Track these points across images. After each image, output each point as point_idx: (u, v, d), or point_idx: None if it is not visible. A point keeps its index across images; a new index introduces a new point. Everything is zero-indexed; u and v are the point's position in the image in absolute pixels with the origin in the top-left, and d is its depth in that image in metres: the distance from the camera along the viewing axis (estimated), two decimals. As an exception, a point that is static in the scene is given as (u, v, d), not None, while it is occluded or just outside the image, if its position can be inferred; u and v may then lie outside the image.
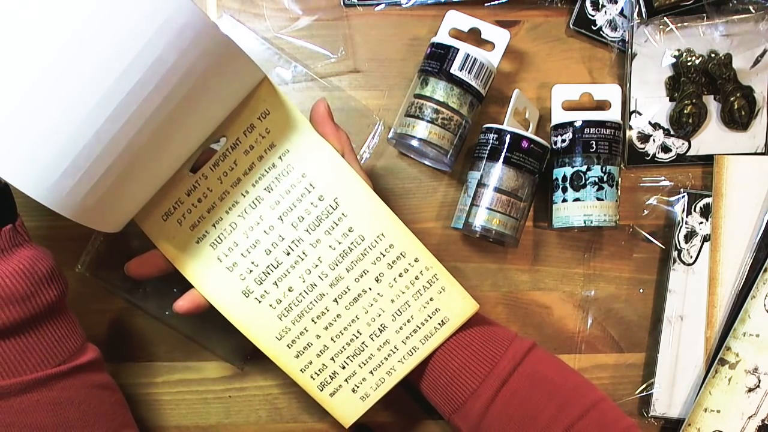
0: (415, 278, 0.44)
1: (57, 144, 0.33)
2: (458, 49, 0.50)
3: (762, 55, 0.55)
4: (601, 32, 0.56)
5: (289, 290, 0.43)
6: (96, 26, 0.32)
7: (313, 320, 0.44)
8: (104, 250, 0.52)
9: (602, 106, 0.55)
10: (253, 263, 0.43)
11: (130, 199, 0.39)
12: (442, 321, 0.44)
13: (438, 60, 0.51)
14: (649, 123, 0.56)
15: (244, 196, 0.43)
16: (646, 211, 0.56)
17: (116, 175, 0.36)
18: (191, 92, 0.35)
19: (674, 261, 0.54)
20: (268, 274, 0.43)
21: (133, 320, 0.53)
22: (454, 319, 0.44)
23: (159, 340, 0.53)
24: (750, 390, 0.52)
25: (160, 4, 0.32)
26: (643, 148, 0.56)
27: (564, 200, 0.52)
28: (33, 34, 0.32)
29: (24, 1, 0.31)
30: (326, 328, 0.44)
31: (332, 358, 0.44)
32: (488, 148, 0.51)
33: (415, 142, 0.51)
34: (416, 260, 0.44)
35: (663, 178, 0.56)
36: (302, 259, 0.43)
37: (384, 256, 0.44)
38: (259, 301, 0.43)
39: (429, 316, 0.44)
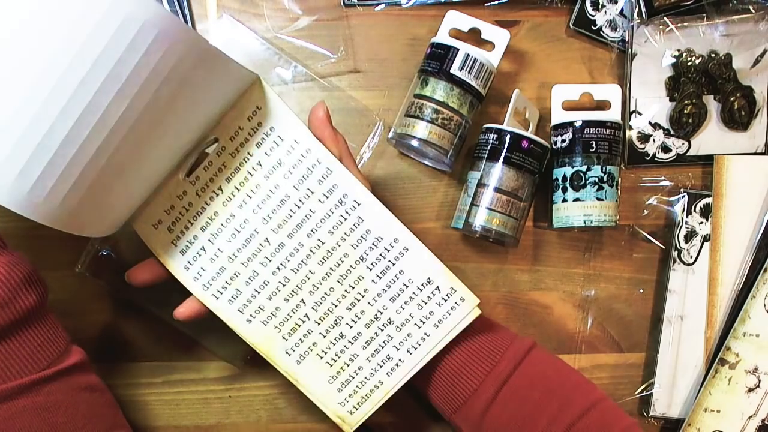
0: (416, 279, 0.44)
1: (12, 141, 0.32)
2: (458, 49, 0.50)
3: (762, 55, 0.55)
4: (601, 32, 0.56)
5: (286, 296, 0.43)
6: (55, 20, 0.32)
7: (316, 321, 0.44)
8: (104, 249, 0.52)
9: (602, 106, 0.55)
10: (242, 265, 0.43)
11: (111, 205, 0.39)
12: (443, 323, 0.44)
13: (438, 60, 0.51)
14: (649, 123, 0.56)
15: (233, 197, 0.43)
16: (646, 211, 0.56)
17: (88, 180, 0.35)
18: (167, 96, 0.35)
19: (674, 261, 0.54)
20: (263, 276, 0.43)
21: (133, 320, 0.53)
22: (454, 315, 0.44)
23: (159, 340, 0.53)
24: (750, 390, 0.52)
25: (129, 7, 0.32)
26: (643, 148, 0.56)
27: (564, 200, 0.52)
28: None
29: None
30: (328, 331, 0.44)
31: (331, 363, 0.44)
32: (488, 148, 0.51)
33: (415, 142, 0.51)
34: (419, 259, 0.43)
35: (663, 178, 0.56)
36: (299, 261, 0.43)
37: (383, 256, 0.43)
38: (257, 307, 0.43)
39: (430, 319, 0.44)
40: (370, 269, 0.43)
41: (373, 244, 0.43)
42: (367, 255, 0.43)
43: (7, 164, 0.33)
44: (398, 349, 0.44)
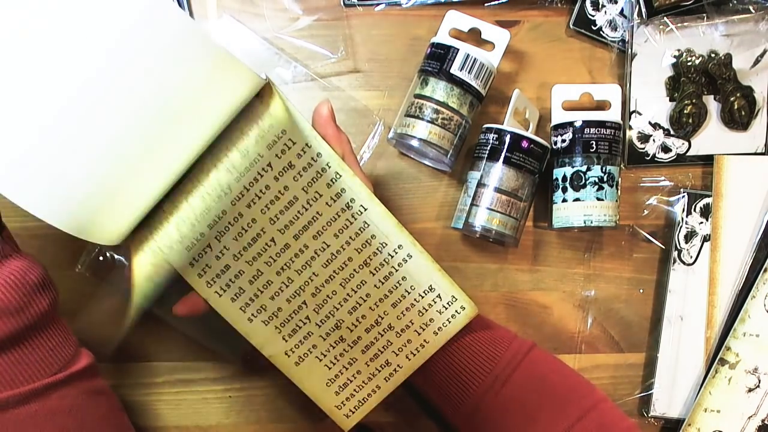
0: (416, 282, 0.43)
1: (27, 142, 0.32)
2: (458, 49, 0.50)
3: (762, 55, 0.55)
4: (601, 32, 0.56)
5: (287, 297, 0.43)
6: (64, 21, 0.31)
7: (317, 324, 0.44)
8: (104, 249, 0.52)
9: (602, 106, 0.55)
10: (247, 264, 0.43)
11: (125, 210, 0.39)
12: (442, 325, 0.44)
13: (438, 60, 0.51)
14: (649, 123, 0.56)
15: (240, 197, 0.43)
16: (646, 211, 0.56)
17: (104, 183, 0.35)
18: (176, 97, 0.35)
19: (674, 261, 0.54)
20: (263, 278, 0.43)
21: (133, 320, 0.54)
22: (454, 323, 0.44)
23: (159, 340, 0.53)
24: (750, 390, 0.52)
25: (148, 13, 0.32)
26: (643, 148, 0.56)
27: (564, 200, 0.52)
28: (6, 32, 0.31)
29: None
30: (329, 333, 0.44)
31: (333, 362, 0.44)
32: (488, 148, 0.51)
33: (415, 142, 0.51)
34: (414, 260, 0.43)
35: (663, 178, 0.56)
36: (299, 262, 0.43)
37: (387, 261, 0.43)
38: (260, 305, 0.43)
39: (429, 320, 0.44)
40: (373, 274, 0.43)
41: (377, 249, 0.43)
42: (370, 260, 0.43)
43: (24, 164, 0.33)
44: (397, 355, 0.44)
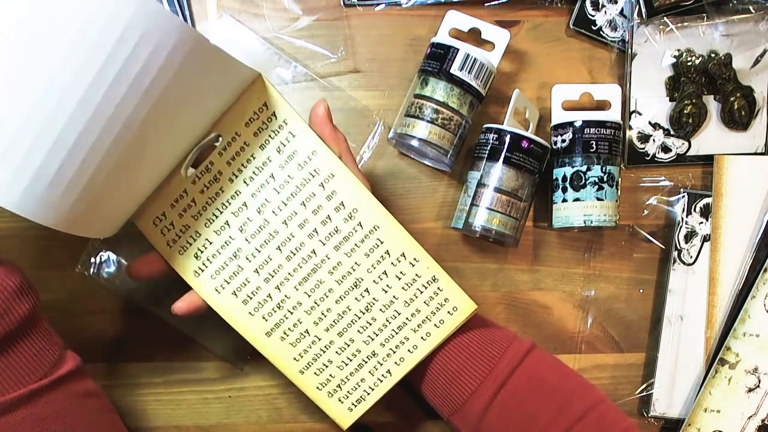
0: (413, 279, 0.44)
1: (8, 142, 0.32)
2: (458, 49, 0.50)
3: (762, 55, 0.55)
4: (601, 32, 0.56)
5: (286, 294, 0.43)
6: (59, 23, 0.31)
7: (314, 323, 0.44)
8: (104, 250, 0.52)
9: (602, 106, 0.55)
10: (247, 260, 0.43)
11: (113, 205, 0.39)
12: (440, 321, 0.44)
13: (438, 60, 0.51)
14: (649, 123, 0.56)
15: (238, 195, 0.43)
16: (646, 211, 0.56)
17: (89, 180, 0.35)
18: (168, 95, 0.35)
19: (674, 261, 0.54)
20: (264, 274, 0.43)
21: (133, 320, 0.53)
22: (453, 319, 0.44)
23: (159, 340, 0.53)
24: (750, 390, 0.52)
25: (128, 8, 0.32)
26: (643, 148, 0.56)
27: (564, 200, 0.52)
28: None
29: None
30: (327, 330, 0.44)
31: (331, 360, 0.44)
32: (488, 148, 0.51)
33: (415, 142, 0.51)
34: (416, 260, 0.44)
35: (663, 178, 0.56)
36: (300, 260, 0.43)
37: (384, 258, 0.44)
38: (258, 302, 0.43)
39: (427, 317, 0.44)
40: (370, 272, 0.43)
41: (373, 246, 0.43)
42: (366, 256, 0.43)
43: (4, 165, 0.33)
44: (394, 353, 0.44)
